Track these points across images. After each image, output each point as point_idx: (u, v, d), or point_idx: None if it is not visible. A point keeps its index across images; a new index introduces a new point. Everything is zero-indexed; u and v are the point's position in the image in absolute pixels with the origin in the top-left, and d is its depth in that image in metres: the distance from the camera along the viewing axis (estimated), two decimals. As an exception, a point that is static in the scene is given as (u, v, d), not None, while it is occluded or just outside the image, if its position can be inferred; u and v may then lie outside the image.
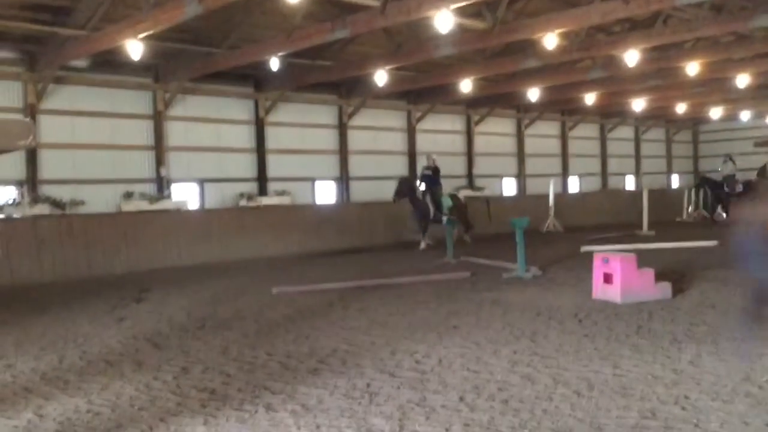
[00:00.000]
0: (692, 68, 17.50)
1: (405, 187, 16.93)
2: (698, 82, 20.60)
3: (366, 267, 13.90)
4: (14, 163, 14.26)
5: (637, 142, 31.94)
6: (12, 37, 14.25)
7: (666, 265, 11.59)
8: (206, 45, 15.71)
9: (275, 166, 18.99)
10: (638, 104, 24.38)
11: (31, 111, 14.83)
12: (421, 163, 22.57)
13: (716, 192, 23.15)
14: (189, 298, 10.43)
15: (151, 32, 12.24)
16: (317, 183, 20.33)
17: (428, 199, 16.99)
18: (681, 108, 26.48)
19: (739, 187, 22.75)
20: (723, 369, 5.83)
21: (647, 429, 4.49)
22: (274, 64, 15.36)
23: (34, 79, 14.87)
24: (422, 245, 16.76)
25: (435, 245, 16.73)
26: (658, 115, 29.76)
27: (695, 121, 33.18)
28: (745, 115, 29.18)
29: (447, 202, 17.27)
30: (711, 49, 17.19)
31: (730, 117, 29.47)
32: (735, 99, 24.82)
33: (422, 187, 17.27)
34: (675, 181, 33.68)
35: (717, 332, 7.15)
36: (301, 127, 19.73)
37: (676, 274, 10.75)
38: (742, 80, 19.32)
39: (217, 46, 15.71)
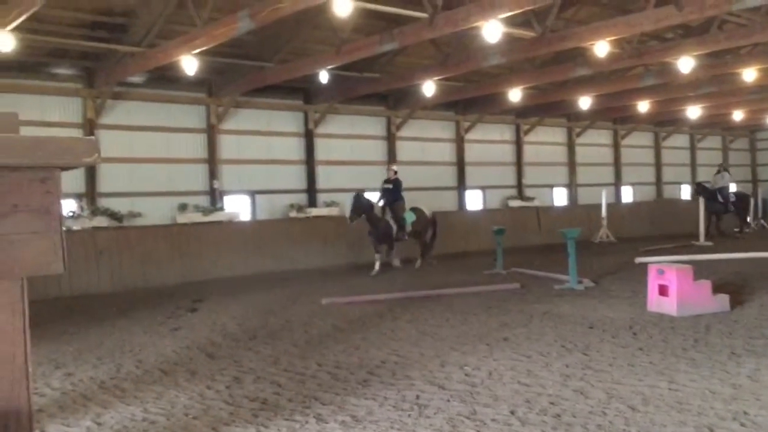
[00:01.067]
0: (749, 74, 17.03)
1: (361, 203, 14.69)
2: (755, 89, 20.01)
3: (415, 278, 13.89)
4: (74, 177, 14.74)
5: (693, 150, 31.16)
6: (71, 55, 14.80)
7: (724, 277, 11.26)
8: (257, 59, 16.01)
9: (324, 177, 19.19)
10: (693, 112, 23.81)
11: (90, 126, 15.35)
12: (470, 173, 22.57)
13: (711, 203, 21.47)
14: (241, 309, 10.59)
15: (204, 48, 12.55)
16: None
17: (389, 216, 15.09)
18: (738, 115, 25.74)
19: (732, 198, 22.03)
20: (786, 385, 5.63)
21: None
22: (324, 77, 15.57)
23: (93, 95, 15.39)
24: (376, 268, 14.52)
25: (404, 266, 15.63)
26: (714, 123, 28.98)
27: (752, 129, 32.20)
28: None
29: (410, 217, 15.49)
30: (766, 54, 16.68)
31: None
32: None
33: (381, 202, 15.22)
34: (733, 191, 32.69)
35: (779, 347, 6.91)
36: (350, 139, 19.89)
37: (735, 286, 10.43)
38: (803, 86, 18.71)
39: (268, 60, 16.00)
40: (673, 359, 6.55)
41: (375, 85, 17.83)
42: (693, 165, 31.17)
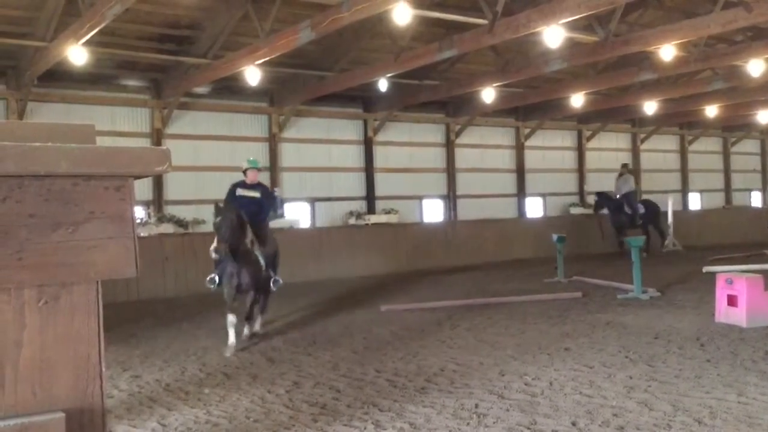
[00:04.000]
0: (825, 76, 16.30)
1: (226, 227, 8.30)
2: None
3: (474, 286, 13.81)
4: (142, 185, 15.24)
5: (764, 156, 30.00)
6: (140, 67, 15.35)
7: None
8: (318, 69, 16.25)
9: (383, 184, 19.29)
10: (764, 116, 22.92)
11: (157, 135, 15.87)
12: (530, 180, 22.29)
13: (615, 215, 18.97)
14: (300, 314, 10.74)
15: (267, 59, 12.82)
16: (424, 201, 20.45)
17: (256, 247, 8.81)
18: (813, 118, 24.63)
19: (640, 208, 19.23)
20: None
21: None
22: (383, 85, 15.69)
23: (160, 106, 15.91)
24: (231, 341, 8.14)
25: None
26: (787, 127, 27.85)
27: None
28: None
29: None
30: None
31: None
32: None
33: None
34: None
35: None
36: (409, 146, 19.94)
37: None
38: None
39: (328, 69, 16.23)
40: (742, 371, 6.32)
41: (434, 92, 17.84)
42: (764, 171, 30.01)
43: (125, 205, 1.69)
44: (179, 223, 15.55)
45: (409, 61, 14.03)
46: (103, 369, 1.71)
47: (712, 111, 21.45)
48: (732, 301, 8.69)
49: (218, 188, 16.63)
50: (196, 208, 16.29)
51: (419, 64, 14.22)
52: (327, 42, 14.50)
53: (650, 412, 5.25)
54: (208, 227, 16.12)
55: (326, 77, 16.26)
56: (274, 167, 17.54)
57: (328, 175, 18.53)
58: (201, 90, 16.26)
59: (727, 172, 28.48)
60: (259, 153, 17.48)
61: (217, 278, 8.56)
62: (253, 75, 13.43)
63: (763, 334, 7.89)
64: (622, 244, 17.49)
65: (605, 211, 19.24)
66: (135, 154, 1.72)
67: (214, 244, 8.28)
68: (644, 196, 24.74)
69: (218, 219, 8.23)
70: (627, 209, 18.93)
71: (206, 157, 16.65)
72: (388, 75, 15.22)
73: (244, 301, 8.69)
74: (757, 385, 5.86)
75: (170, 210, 15.96)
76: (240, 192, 9.00)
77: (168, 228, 15.23)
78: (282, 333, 9.25)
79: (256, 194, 9.03)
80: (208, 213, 16.35)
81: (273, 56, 12.73)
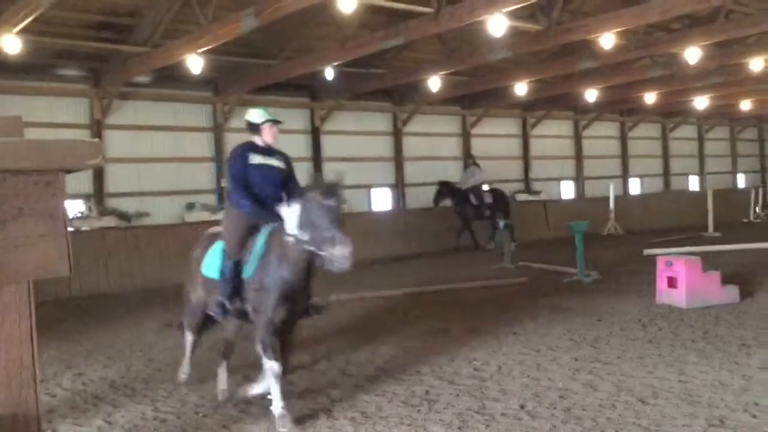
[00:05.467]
0: (756, 64, 16.90)
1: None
2: (763, 78, 19.85)
3: (423, 273, 13.89)
4: (81, 177, 14.79)
5: (701, 141, 31.00)
6: (78, 56, 14.85)
7: (733, 268, 11.21)
8: (263, 57, 16.02)
9: (331, 174, 19.16)
10: (701, 102, 23.67)
11: (97, 126, 15.40)
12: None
13: (461, 207, 18.10)
14: (249, 306, 10.62)
15: (210, 47, 12.56)
16: (373, 190, 20.44)
17: None
18: (745, 105, 25.57)
19: (488, 199, 18.31)
20: (796, 376, 5.60)
21: None
22: (329, 73, 15.57)
23: (100, 96, 15.43)
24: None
25: None
26: (722, 113, 28.82)
27: (761, 119, 31.98)
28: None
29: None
30: (773, 43, 16.56)
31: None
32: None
33: None
34: (741, 181, 32.54)
35: (789, 337, 6.88)
36: (357, 135, 19.88)
37: (744, 277, 10.38)
38: (812, 75, 18.55)
39: (274, 58, 16.01)
40: (683, 351, 6.54)
41: (381, 80, 17.81)
42: (701, 156, 31.02)
43: (56, 200, 1.62)
44: (122, 216, 15.17)
45: (355, 49, 13.97)
46: (38, 372, 1.64)
47: (650, 98, 22.03)
48: (672, 282, 8.96)
49: (161, 179, 16.37)
50: (139, 200, 15.93)
51: (365, 52, 14.16)
52: (272, 30, 14.28)
53: (595, 393, 5.38)
54: (152, 220, 15.85)
55: (272, 66, 16.04)
56: (219, 157, 17.25)
57: (276, 165, 18.32)
58: (142, 79, 15.83)
59: (665, 157, 29.33)
60: (204, 144, 17.21)
61: (227, 302, 5.33)
62: (195, 64, 13.14)
63: (702, 315, 8.17)
64: (459, 237, 17.80)
65: (448, 202, 18.45)
66: (65, 147, 1.64)
67: (229, 249, 5.41)
68: (586, 182, 25.28)
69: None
70: (473, 200, 18.14)
71: (148, 148, 16.25)
72: (335, 63, 15.12)
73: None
74: (696, 364, 6.06)
75: (112, 203, 15.55)
76: (255, 159, 5.62)
77: (110, 221, 14.84)
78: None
79: (280, 164, 5.80)
80: (152, 205, 16.06)
81: (216, 44, 12.49)
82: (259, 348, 5.17)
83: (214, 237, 5.85)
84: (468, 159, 19.45)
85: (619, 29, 13.47)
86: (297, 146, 18.77)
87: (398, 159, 20.74)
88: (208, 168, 17.26)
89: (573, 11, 15.62)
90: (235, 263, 5.31)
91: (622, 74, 19.04)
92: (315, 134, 19.03)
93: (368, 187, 20.24)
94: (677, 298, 8.82)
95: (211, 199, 17.07)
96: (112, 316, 10.34)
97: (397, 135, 20.75)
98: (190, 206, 16.47)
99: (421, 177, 21.07)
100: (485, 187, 18.84)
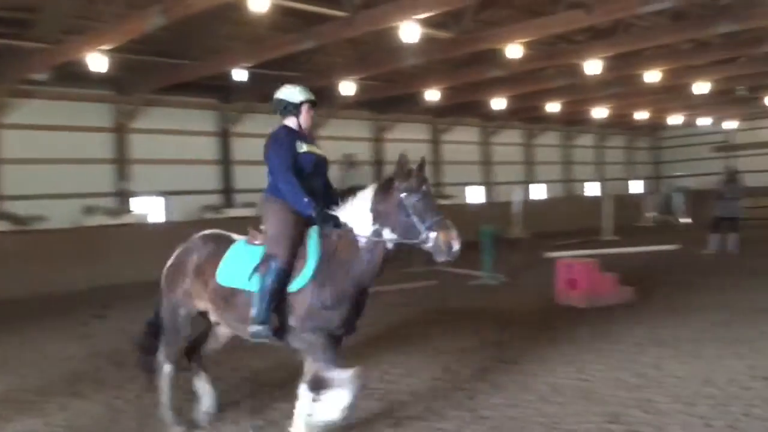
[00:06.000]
0: (652, 76, 17.83)
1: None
2: (658, 89, 20.98)
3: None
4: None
5: (600, 149, 32.42)
6: (-30, 51, 13.97)
7: (629, 270, 11.76)
8: (170, 56, 15.55)
9: (242, 177, 18.83)
10: (600, 112, 24.74)
11: (-9, 125, 14.53)
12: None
13: None
14: (151, 314, 10.24)
15: (114, 44, 12.09)
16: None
17: None
18: (641, 115, 26.94)
19: None
20: (685, 372, 5.93)
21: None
22: (240, 75, 15.27)
23: (-5, 93, 14.56)
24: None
25: None
26: (620, 123, 30.25)
27: (656, 128, 33.78)
28: (703, 121, 29.80)
29: None
30: (670, 56, 17.51)
31: (689, 123, 30.07)
32: (694, 105, 25.33)
33: None
34: (637, 187, 34.15)
35: (679, 335, 7.27)
36: (268, 138, 19.59)
37: (639, 278, 10.91)
38: (701, 87, 19.72)
39: (182, 57, 15.57)
40: (582, 350, 6.79)
41: (293, 84, 17.62)
42: (600, 163, 32.43)
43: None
44: (17, 219, 14.36)
45: (268, 50, 13.80)
46: None
47: (554, 107, 22.84)
48: (571, 284, 9.32)
49: (60, 181, 15.59)
50: (36, 203, 15.09)
51: (278, 54, 14.00)
52: (181, 29, 13.90)
53: (500, 393, 5.51)
54: (49, 223, 15.04)
55: (180, 65, 15.59)
56: (122, 159, 16.62)
57: (183, 168, 17.80)
58: (41, 77, 15.00)
59: (568, 164, 30.51)
60: (106, 144, 16.54)
61: (267, 320, 4.49)
62: (97, 61, 12.60)
63: (600, 315, 8.52)
64: None
65: None
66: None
67: (282, 254, 4.50)
68: (494, 188, 25.89)
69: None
70: None
71: (46, 148, 15.44)
72: (246, 65, 14.85)
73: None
74: (594, 362, 6.32)
75: (7, 206, 14.69)
76: (303, 147, 4.82)
77: (4, 225, 14.03)
78: (130, 335, 8.74)
79: (322, 152, 5.05)
80: (48, 208, 15.25)
81: (121, 42, 12.04)
82: (325, 367, 4.41)
83: (221, 239, 5.07)
84: (344, 156, 18.00)
85: (525, 39, 13.92)
86: (206, 149, 18.38)
87: (310, 163, 20.61)
88: (110, 170, 16.58)
89: (483, 21, 16.00)
90: (283, 271, 4.42)
91: (528, 83, 19.67)
92: (225, 137, 18.65)
93: (280, 190, 19.98)
94: (577, 299, 9.17)
95: (113, 203, 16.42)
96: (3, 324, 9.75)
97: (309, 138, 20.61)
98: (90, 210, 15.78)
99: (335, 181, 20.99)
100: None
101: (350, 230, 4.45)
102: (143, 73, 15.90)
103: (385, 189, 4.42)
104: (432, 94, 18.90)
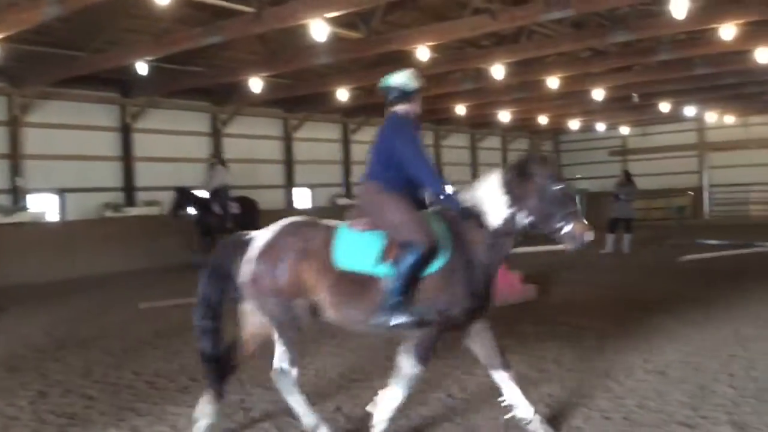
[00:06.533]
0: (553, 82, 18.50)
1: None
2: (559, 95, 21.79)
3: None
4: None
5: (505, 151, 33.38)
6: None
7: (532, 268, 12.14)
8: (69, 48, 14.80)
9: (144, 175, 18.18)
10: (504, 116, 25.46)
11: None
12: (298, 171, 22.51)
13: (202, 214, 15.52)
14: (48, 317, 9.75)
15: (6, 34, 11.37)
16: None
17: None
18: (543, 119, 27.92)
19: (234, 208, 15.88)
20: (584, 366, 6.17)
21: (516, 428, 4.65)
22: (142, 68, 14.72)
23: None
24: None
25: None
26: (524, 126, 31.23)
27: (557, 132, 35.10)
28: (600, 126, 31.21)
29: None
30: (570, 63, 18.23)
31: (588, 128, 31.42)
32: (592, 111, 26.48)
33: None
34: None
35: (579, 331, 7.56)
36: (172, 135, 19.00)
37: (541, 277, 11.28)
38: (598, 93, 20.65)
39: (81, 49, 14.86)
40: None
41: (199, 79, 17.20)
42: (505, 165, 33.34)
43: None
44: None
45: (171, 44, 13.34)
46: None
47: (461, 109, 23.31)
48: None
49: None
50: None
51: (182, 48, 13.56)
52: (80, 19, 13.27)
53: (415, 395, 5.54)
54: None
55: (78, 58, 14.86)
56: (15, 154, 15.69)
57: (81, 164, 16.99)
58: None
59: (474, 165, 31.27)
60: (-3, 138, 15.59)
61: (401, 304, 4.37)
62: (-13, 51, 11.84)
63: (504, 312, 8.71)
64: (207, 252, 13.12)
65: (192, 211, 15.78)
66: None
67: (422, 239, 4.37)
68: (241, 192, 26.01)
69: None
70: (216, 209, 15.58)
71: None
72: (148, 58, 14.33)
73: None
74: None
75: None
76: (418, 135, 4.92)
77: None
78: (25, 338, 8.31)
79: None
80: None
81: (13, 32, 11.33)
82: (416, 354, 4.43)
83: (317, 226, 4.67)
84: (212, 158, 16.71)
85: (433, 43, 14.12)
86: (105, 144, 17.61)
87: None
88: (2, 166, 15.61)
89: (392, 22, 16.13)
90: (425, 256, 4.31)
91: (436, 86, 19.96)
92: (125, 132, 17.94)
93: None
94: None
95: (5, 200, 15.49)
96: None
97: (216, 136, 20.17)
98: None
99: (242, 179, 20.64)
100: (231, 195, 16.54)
101: (482, 214, 4.50)
102: (39, 64, 15.04)
103: (522, 174, 4.50)
104: (342, 94, 18.88)
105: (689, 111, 26.59)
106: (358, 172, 24.37)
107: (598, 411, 4.99)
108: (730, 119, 28.64)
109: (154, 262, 15.67)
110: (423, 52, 14.08)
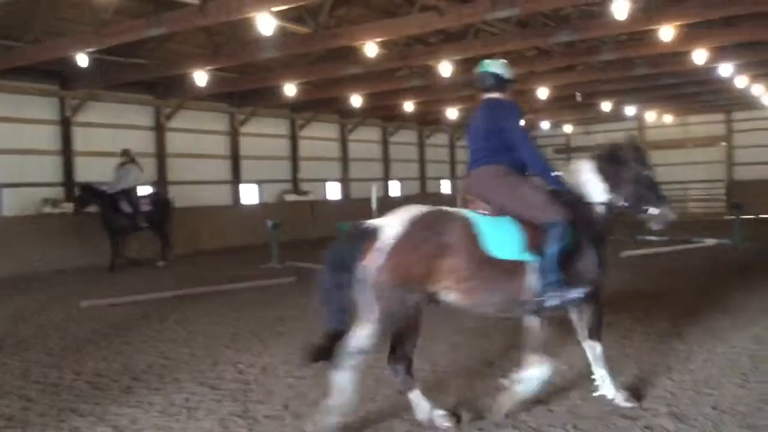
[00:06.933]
0: (499, 80, 18.70)
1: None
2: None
3: (188, 275, 13.38)
4: None
5: (452, 148, 33.67)
6: None
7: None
8: (5, 38, 14.27)
9: (85, 169, 17.67)
10: (452, 113, 25.68)
11: None
12: (245, 167, 22.23)
13: (112, 215, 14.69)
14: (-17, 317, 9.40)
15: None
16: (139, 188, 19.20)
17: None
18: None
19: (146, 206, 15.20)
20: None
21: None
22: (82, 60, 14.29)
23: None
24: None
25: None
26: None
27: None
28: (545, 125, 31.78)
29: None
30: (516, 62, 18.42)
31: (533, 126, 31.95)
32: (536, 109, 26.94)
33: None
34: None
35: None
36: (114, 128, 18.52)
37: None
38: (543, 92, 21.01)
39: (18, 39, 14.33)
40: (433, 342, 6.99)
41: (142, 71, 16.80)
42: (452, 162, 33.68)
43: None
44: None
45: (113, 36, 12.98)
46: None
47: (409, 106, 23.40)
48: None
49: None
50: None
51: (124, 39, 13.21)
52: (16, 8, 12.81)
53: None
54: None
55: (14, 48, 14.33)
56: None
57: (18, 158, 16.41)
58: None
59: (422, 162, 31.44)
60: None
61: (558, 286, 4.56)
62: None
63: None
64: (117, 254, 14.65)
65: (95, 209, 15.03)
66: None
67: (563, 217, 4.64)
68: (351, 184, 26.09)
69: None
70: (126, 207, 14.82)
71: None
72: (89, 50, 13.92)
73: None
74: (445, 354, 6.53)
75: None
76: None
77: None
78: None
79: None
80: None
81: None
82: (596, 335, 4.97)
83: (449, 214, 4.54)
84: (123, 156, 15.61)
85: (381, 39, 14.13)
86: (44, 138, 17.06)
87: (161, 155, 19.75)
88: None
89: (339, 18, 16.08)
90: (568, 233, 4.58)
91: (384, 82, 20.01)
92: (65, 125, 17.40)
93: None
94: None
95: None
96: None
97: (159, 130, 19.75)
98: None
99: (186, 175, 20.30)
100: (145, 191, 16.15)
101: (586, 197, 4.91)
102: (-29, 54, 14.48)
103: (615, 161, 4.96)
104: (290, 89, 18.72)
105: (630, 110, 27.34)
106: (306, 168, 24.27)
107: (543, 404, 5.07)
108: (668, 118, 29.56)
109: (95, 260, 15.25)
110: (371, 48, 14.08)
